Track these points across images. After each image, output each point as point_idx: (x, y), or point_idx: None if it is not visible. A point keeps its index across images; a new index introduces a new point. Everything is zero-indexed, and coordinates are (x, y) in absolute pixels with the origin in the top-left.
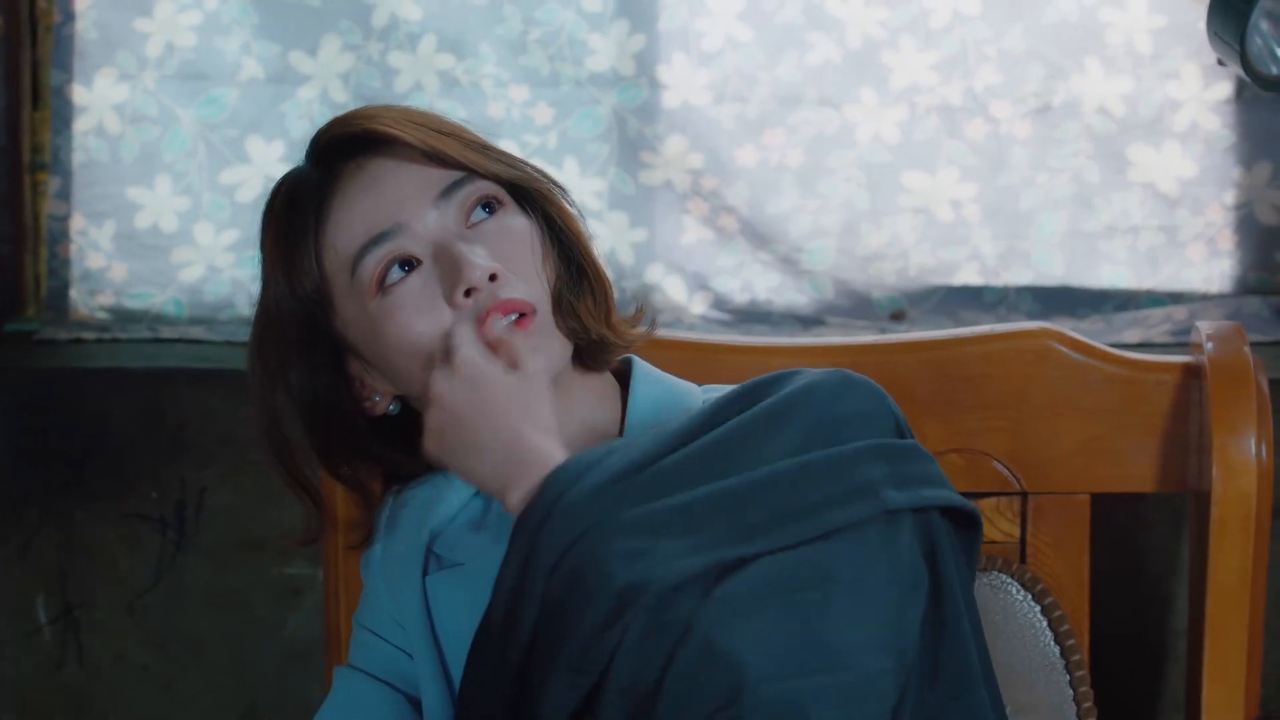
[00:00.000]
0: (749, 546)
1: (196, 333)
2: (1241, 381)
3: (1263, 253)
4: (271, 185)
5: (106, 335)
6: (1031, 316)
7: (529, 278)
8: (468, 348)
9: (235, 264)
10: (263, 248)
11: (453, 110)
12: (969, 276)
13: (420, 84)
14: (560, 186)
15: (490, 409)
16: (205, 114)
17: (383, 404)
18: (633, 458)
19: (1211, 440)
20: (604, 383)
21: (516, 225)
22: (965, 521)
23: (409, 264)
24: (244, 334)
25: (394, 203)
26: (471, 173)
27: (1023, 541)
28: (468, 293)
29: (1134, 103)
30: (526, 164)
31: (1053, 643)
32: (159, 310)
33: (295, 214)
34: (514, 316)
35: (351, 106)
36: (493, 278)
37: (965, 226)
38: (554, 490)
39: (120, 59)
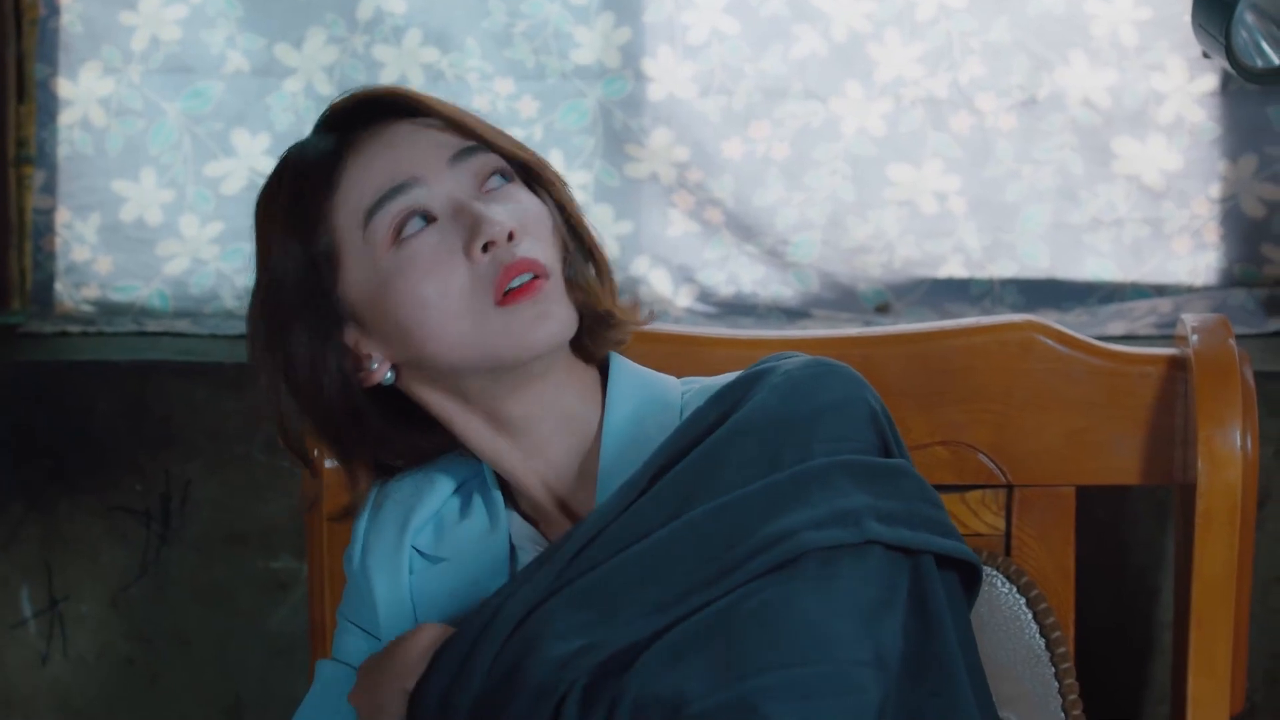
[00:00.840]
0: (715, 590)
1: (182, 326)
2: (1227, 374)
3: (1248, 245)
4: (256, 178)
5: (91, 328)
6: (1016, 309)
7: (544, 242)
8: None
9: (220, 257)
10: (271, 211)
11: None
12: (954, 269)
13: (405, 77)
14: (562, 180)
15: (378, 678)
16: (190, 107)
17: (380, 371)
18: (586, 528)
19: (1197, 433)
20: (589, 376)
21: (528, 198)
22: (965, 573)
23: (426, 218)
24: (229, 327)
25: (411, 159)
26: (486, 144)
27: (1007, 534)
28: (485, 248)
29: (1119, 95)
30: (534, 152)
31: (1038, 635)
32: (144, 303)
33: (310, 171)
34: (528, 277)
35: (337, 99)
36: (511, 236)
37: (950, 219)
38: (493, 602)
39: (105, 52)
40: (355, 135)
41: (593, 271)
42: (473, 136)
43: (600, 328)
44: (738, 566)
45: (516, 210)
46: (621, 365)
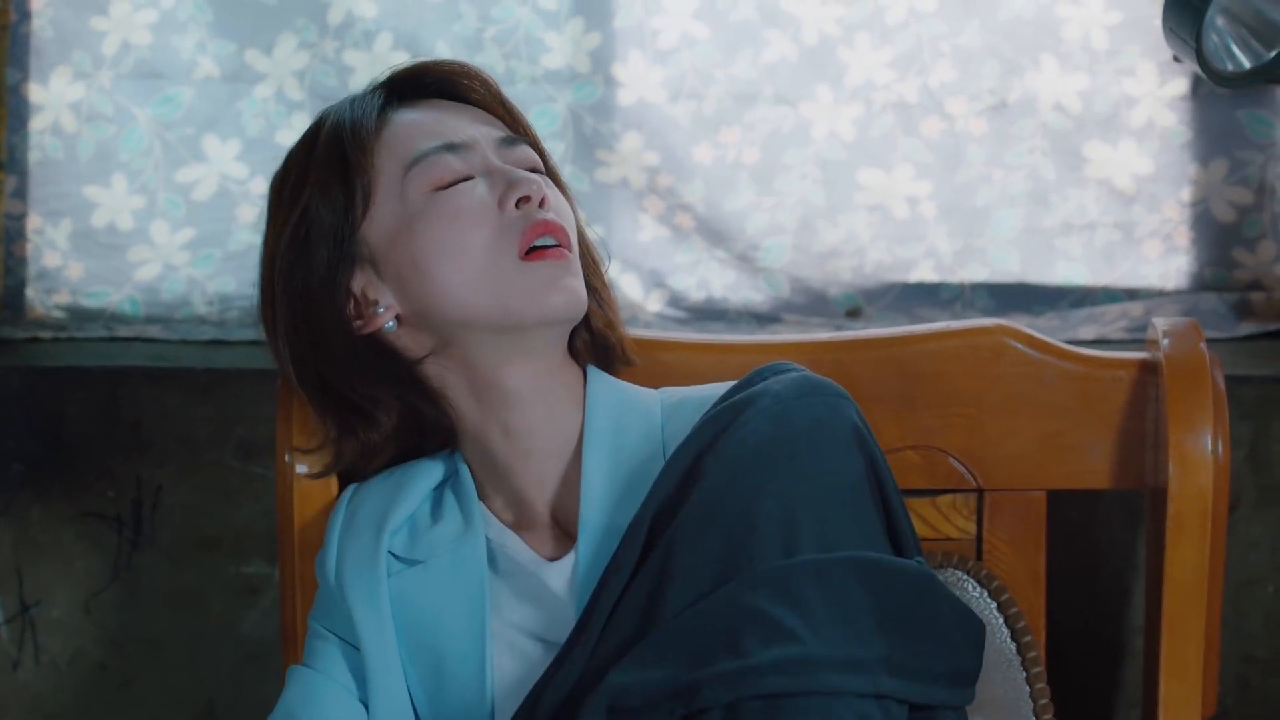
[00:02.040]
0: (736, 685)
1: (153, 331)
2: (1198, 378)
3: (1219, 249)
4: (227, 184)
5: (63, 334)
6: (987, 313)
7: (566, 220)
8: None
9: (191, 263)
10: (308, 155)
11: None
12: (925, 273)
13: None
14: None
15: None
16: (161, 112)
17: (383, 317)
18: (605, 599)
19: (1168, 436)
20: (575, 378)
21: (561, 196)
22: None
23: (467, 179)
24: (200, 333)
25: (461, 129)
26: (531, 143)
27: (979, 538)
28: (519, 203)
29: (1090, 99)
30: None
31: (1009, 639)
32: (115, 309)
33: (358, 117)
34: (553, 242)
35: (308, 105)
36: (543, 203)
37: (921, 223)
38: (536, 690)
39: (76, 58)
40: (406, 98)
41: (594, 293)
42: (520, 132)
43: (598, 337)
44: (746, 658)
45: (551, 193)
46: (598, 375)
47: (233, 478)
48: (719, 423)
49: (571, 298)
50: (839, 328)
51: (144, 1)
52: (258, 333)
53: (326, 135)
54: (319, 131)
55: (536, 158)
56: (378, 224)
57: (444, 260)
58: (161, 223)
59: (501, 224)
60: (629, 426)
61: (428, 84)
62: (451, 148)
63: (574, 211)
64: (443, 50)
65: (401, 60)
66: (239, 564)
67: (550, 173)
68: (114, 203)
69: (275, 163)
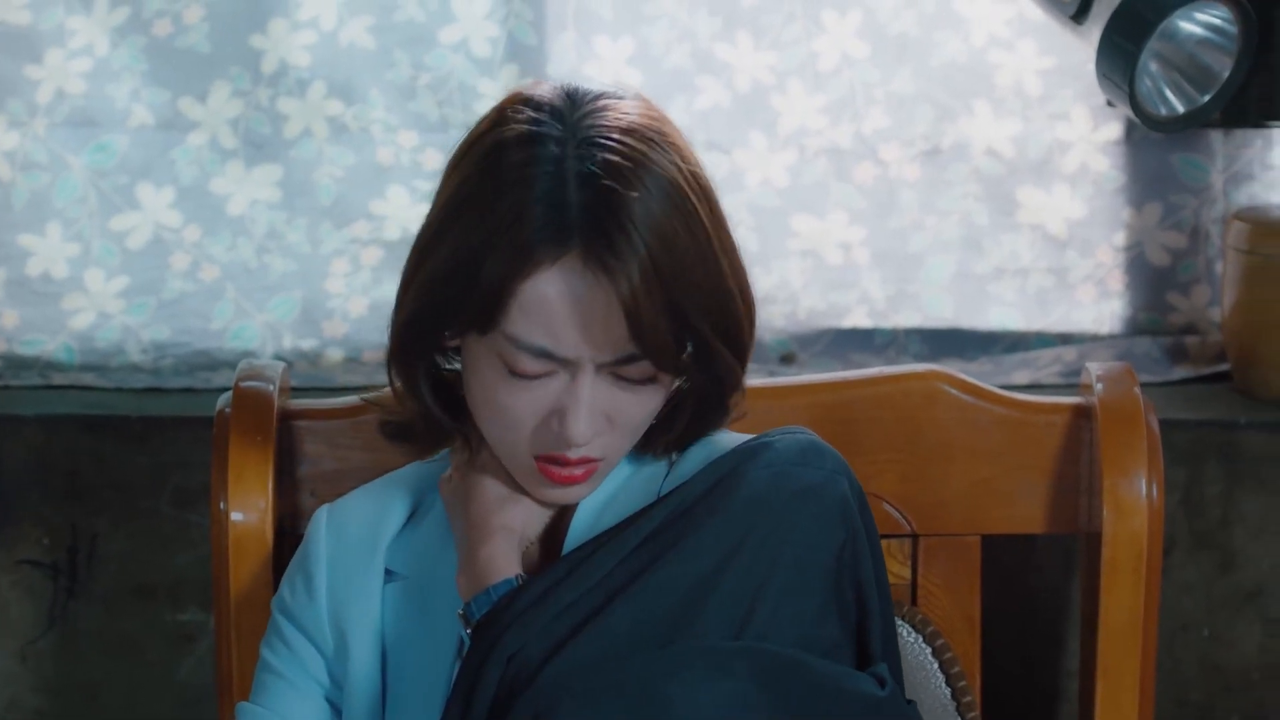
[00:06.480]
0: None
1: (88, 379)
2: (1132, 422)
3: (1153, 293)
4: (161, 232)
5: None
6: (921, 359)
7: (626, 435)
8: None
9: (126, 310)
10: (500, 184)
11: (342, 156)
12: (858, 319)
13: (310, 129)
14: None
15: (469, 504)
16: (95, 161)
17: (452, 374)
18: (581, 593)
19: (1102, 481)
20: None
21: (651, 401)
22: None
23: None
24: (136, 380)
25: (580, 343)
26: (654, 352)
27: (913, 583)
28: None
29: (1023, 144)
30: (736, 355)
31: (944, 684)
32: (50, 357)
33: (511, 248)
34: (563, 473)
35: (242, 153)
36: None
37: (854, 269)
38: (491, 634)
39: (10, 106)
40: (583, 237)
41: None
42: (647, 341)
43: (665, 423)
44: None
45: (622, 411)
46: None
47: (168, 525)
48: (717, 471)
49: (573, 496)
50: (772, 373)
51: (78, 50)
52: (193, 380)
53: (511, 207)
54: (507, 190)
55: (647, 370)
56: (465, 348)
57: (485, 417)
58: (96, 271)
59: (541, 429)
60: (632, 487)
61: (609, 238)
62: (549, 357)
63: (745, 322)
64: (376, 98)
65: (335, 108)
66: (175, 611)
67: (706, 341)
68: (48, 251)
69: (209, 211)
